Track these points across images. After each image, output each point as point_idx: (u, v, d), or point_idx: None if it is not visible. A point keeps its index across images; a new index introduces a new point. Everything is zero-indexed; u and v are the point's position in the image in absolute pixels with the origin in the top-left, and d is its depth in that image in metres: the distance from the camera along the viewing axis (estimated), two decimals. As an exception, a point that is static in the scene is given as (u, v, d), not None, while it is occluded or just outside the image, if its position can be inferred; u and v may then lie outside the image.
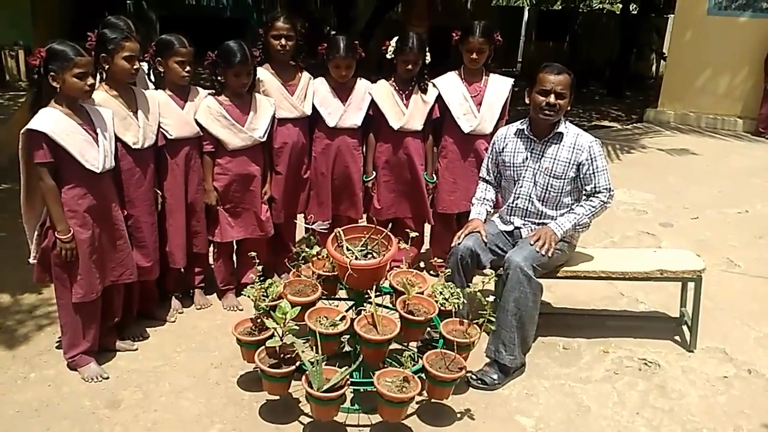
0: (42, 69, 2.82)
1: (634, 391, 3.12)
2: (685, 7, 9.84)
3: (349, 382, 2.62)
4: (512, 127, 3.50)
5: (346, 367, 2.63)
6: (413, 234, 3.02)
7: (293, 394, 2.87)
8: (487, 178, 3.63)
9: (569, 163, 3.31)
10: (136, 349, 3.32)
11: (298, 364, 2.68)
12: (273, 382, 2.71)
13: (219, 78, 3.59)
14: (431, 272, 4.11)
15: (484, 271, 3.38)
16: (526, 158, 3.40)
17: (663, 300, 3.95)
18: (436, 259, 3.31)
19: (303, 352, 2.66)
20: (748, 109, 9.59)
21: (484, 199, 3.59)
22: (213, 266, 3.84)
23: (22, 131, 2.80)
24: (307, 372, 2.59)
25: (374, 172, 4.04)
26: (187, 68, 3.41)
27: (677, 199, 6.07)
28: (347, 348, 3.09)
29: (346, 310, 2.99)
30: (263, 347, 2.75)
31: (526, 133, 3.42)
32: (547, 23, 17.17)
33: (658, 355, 3.42)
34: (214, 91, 3.60)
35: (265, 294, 2.89)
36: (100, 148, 2.92)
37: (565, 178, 3.32)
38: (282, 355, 2.72)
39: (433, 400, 2.85)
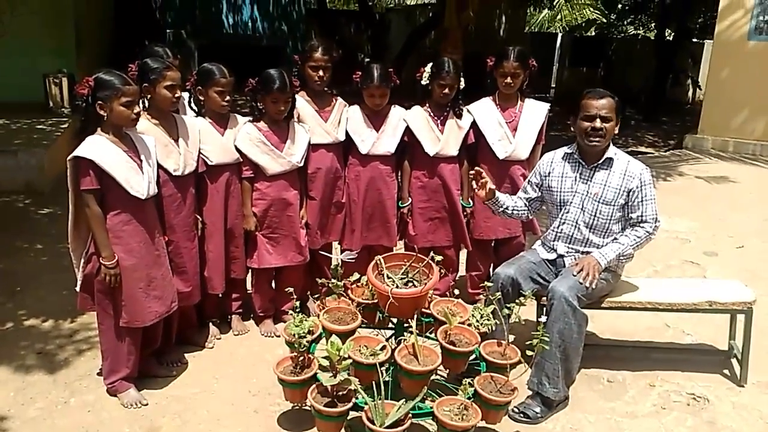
0: (90, 97, 2.87)
1: (683, 427, 3.01)
2: (724, 32, 9.71)
3: (411, 416, 2.56)
4: (560, 152, 3.45)
5: (403, 400, 2.58)
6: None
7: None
8: (521, 194, 3.57)
9: (620, 189, 3.25)
10: (175, 375, 3.32)
11: (354, 401, 2.63)
12: (329, 421, 2.64)
13: (258, 105, 3.63)
14: (469, 300, 4.04)
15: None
16: (575, 183, 3.35)
17: (710, 332, 3.83)
18: (471, 289, 3.24)
19: (357, 388, 2.60)
20: (790, 135, 9.40)
21: (507, 195, 3.53)
22: (251, 292, 3.83)
23: (69, 158, 2.84)
24: (366, 408, 2.54)
25: (410, 199, 4.01)
26: (227, 98, 3.46)
27: (721, 227, 5.91)
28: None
29: (387, 339, 2.95)
30: (315, 386, 2.70)
31: (575, 157, 3.37)
32: (581, 49, 17.12)
33: (707, 389, 3.30)
34: (253, 118, 3.64)
35: (304, 332, 2.82)
36: (145, 175, 2.96)
37: (614, 205, 3.26)
38: (335, 392, 2.66)
39: (485, 424, 2.77)
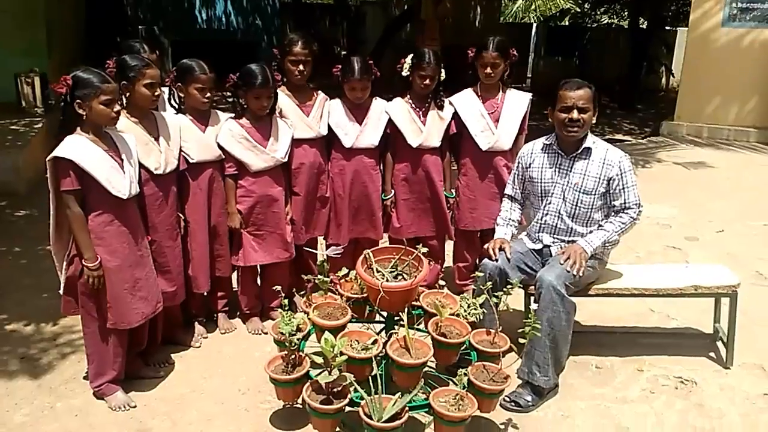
0: (68, 96, 2.80)
1: (673, 410, 3.04)
2: (698, 19, 9.81)
3: (407, 410, 2.55)
4: (538, 143, 3.46)
5: (399, 393, 2.56)
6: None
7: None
8: (513, 195, 3.59)
9: (599, 178, 3.26)
10: (162, 376, 3.28)
11: (349, 397, 2.61)
12: (325, 418, 2.62)
13: (240, 101, 3.58)
14: (456, 291, 4.04)
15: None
16: (555, 174, 3.36)
17: (695, 315, 3.87)
18: (459, 280, 3.22)
19: (353, 384, 2.58)
20: (765, 120, 9.51)
21: (509, 219, 3.54)
22: (237, 290, 3.80)
23: (48, 158, 2.78)
24: (363, 403, 2.53)
25: (393, 191, 4.00)
26: (207, 94, 3.41)
27: (701, 212, 5.99)
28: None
29: (378, 333, 2.94)
30: (309, 383, 2.67)
31: (554, 148, 3.38)
32: (556, 39, 17.18)
33: (694, 372, 3.34)
34: (234, 115, 3.59)
35: (294, 330, 2.79)
36: (126, 174, 2.90)
37: (595, 194, 3.27)
38: (330, 389, 2.63)
39: (480, 413, 2.76)
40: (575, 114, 3.22)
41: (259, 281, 3.86)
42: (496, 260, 3.25)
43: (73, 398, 3.08)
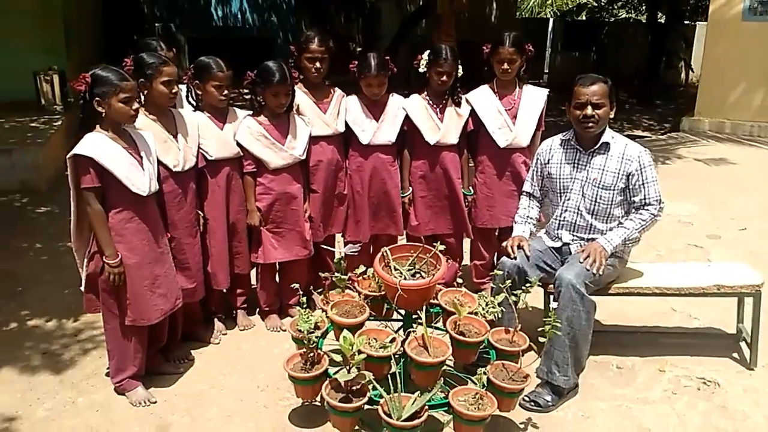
0: (87, 94, 2.82)
1: (695, 412, 3.00)
2: (718, 13, 9.67)
3: (427, 408, 2.54)
4: (556, 139, 3.43)
5: (418, 392, 2.56)
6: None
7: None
8: (531, 192, 3.56)
9: (618, 173, 3.22)
10: (182, 372, 3.30)
11: (368, 395, 2.61)
12: (344, 416, 2.62)
13: (258, 98, 3.58)
14: (474, 290, 4.02)
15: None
16: (573, 169, 3.32)
17: (717, 315, 3.82)
18: (476, 279, 3.20)
19: (372, 382, 2.58)
20: (788, 115, 9.39)
21: (527, 217, 3.52)
22: (256, 287, 3.80)
23: (68, 156, 2.80)
24: (382, 402, 2.52)
25: (410, 188, 3.98)
26: (225, 92, 3.41)
27: (722, 210, 5.91)
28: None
29: (396, 331, 2.93)
30: (328, 381, 2.67)
31: (572, 143, 3.34)
32: (573, 34, 17.04)
33: (717, 373, 3.29)
34: (252, 112, 3.59)
35: (312, 327, 2.79)
36: (146, 172, 2.92)
37: (614, 190, 3.24)
38: (350, 387, 2.63)
39: (499, 412, 2.74)
40: (589, 110, 3.18)
41: (277, 278, 3.87)
42: (515, 258, 3.22)
43: (94, 393, 3.11)
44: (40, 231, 5.18)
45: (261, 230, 3.63)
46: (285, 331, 3.68)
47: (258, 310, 3.86)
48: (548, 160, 3.42)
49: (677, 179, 6.96)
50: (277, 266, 3.82)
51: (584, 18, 19.58)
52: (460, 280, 4.15)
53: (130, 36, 10.32)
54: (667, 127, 10.77)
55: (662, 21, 15.02)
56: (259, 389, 3.16)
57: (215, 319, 3.70)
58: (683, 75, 16.58)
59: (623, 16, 19.81)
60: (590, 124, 3.20)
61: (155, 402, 3.03)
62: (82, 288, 3.01)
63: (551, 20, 19.04)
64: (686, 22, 15.99)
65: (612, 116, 3.27)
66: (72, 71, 7.82)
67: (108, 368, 3.12)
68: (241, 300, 3.80)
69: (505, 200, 3.93)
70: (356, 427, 2.71)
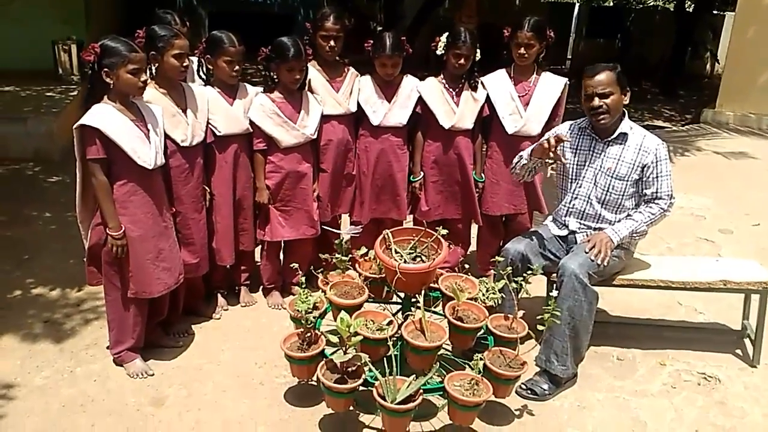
0: (96, 65, 2.81)
1: (693, 407, 2.98)
2: (746, 2, 9.44)
3: (422, 392, 2.54)
4: (576, 124, 3.37)
5: (414, 376, 2.56)
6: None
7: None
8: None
9: (634, 164, 3.17)
10: (182, 346, 3.32)
11: (363, 377, 2.61)
12: (338, 397, 2.63)
13: (272, 74, 3.56)
14: (479, 276, 4.00)
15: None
16: (588, 157, 3.27)
17: (723, 311, 3.77)
18: (481, 265, 3.18)
19: (367, 364, 2.58)
20: (812, 110, 9.16)
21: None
22: (260, 264, 3.81)
23: (75, 126, 2.80)
24: (377, 384, 2.52)
25: (422, 173, 3.95)
26: (236, 67, 3.39)
27: (737, 204, 5.80)
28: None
29: (394, 314, 2.92)
30: (324, 362, 2.67)
31: (588, 131, 3.29)
32: (598, 20, 16.73)
33: (718, 369, 3.26)
34: (265, 88, 3.57)
35: (310, 307, 2.79)
36: (152, 145, 2.92)
37: (628, 180, 3.19)
38: (345, 368, 2.63)
39: (494, 398, 2.74)
40: (596, 101, 3.12)
41: (281, 256, 3.87)
42: (509, 249, 3.17)
43: (92, 363, 3.15)
44: (50, 200, 5.23)
45: (269, 208, 3.63)
46: (286, 309, 3.68)
47: (261, 287, 3.87)
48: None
49: (694, 172, 6.85)
50: (282, 244, 3.82)
51: (611, 4, 19.22)
52: (467, 266, 4.12)
53: (152, 8, 10.30)
54: (688, 119, 10.58)
55: (690, 10, 14.70)
56: (257, 366, 3.18)
57: (218, 295, 3.72)
58: (709, 66, 16.27)
59: (651, 3, 19.44)
60: (600, 116, 3.14)
61: (152, 374, 3.06)
62: (85, 260, 3.03)
63: (577, 5, 18.73)
64: (715, 12, 15.64)
65: (626, 101, 3.20)
66: (91, 42, 7.82)
67: (108, 339, 3.15)
68: (245, 276, 3.81)
69: (510, 188, 3.88)
70: (350, 408, 2.72)
